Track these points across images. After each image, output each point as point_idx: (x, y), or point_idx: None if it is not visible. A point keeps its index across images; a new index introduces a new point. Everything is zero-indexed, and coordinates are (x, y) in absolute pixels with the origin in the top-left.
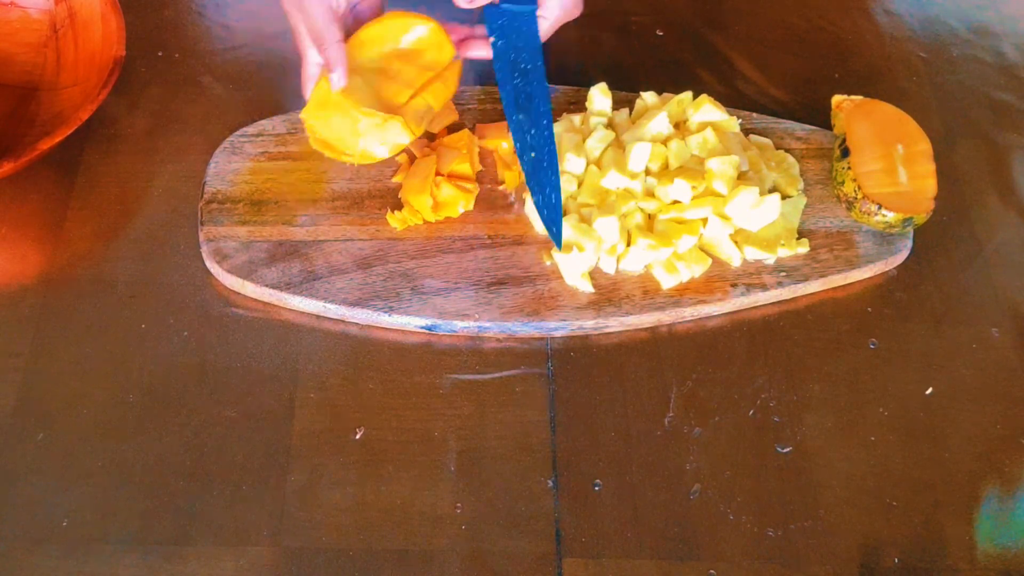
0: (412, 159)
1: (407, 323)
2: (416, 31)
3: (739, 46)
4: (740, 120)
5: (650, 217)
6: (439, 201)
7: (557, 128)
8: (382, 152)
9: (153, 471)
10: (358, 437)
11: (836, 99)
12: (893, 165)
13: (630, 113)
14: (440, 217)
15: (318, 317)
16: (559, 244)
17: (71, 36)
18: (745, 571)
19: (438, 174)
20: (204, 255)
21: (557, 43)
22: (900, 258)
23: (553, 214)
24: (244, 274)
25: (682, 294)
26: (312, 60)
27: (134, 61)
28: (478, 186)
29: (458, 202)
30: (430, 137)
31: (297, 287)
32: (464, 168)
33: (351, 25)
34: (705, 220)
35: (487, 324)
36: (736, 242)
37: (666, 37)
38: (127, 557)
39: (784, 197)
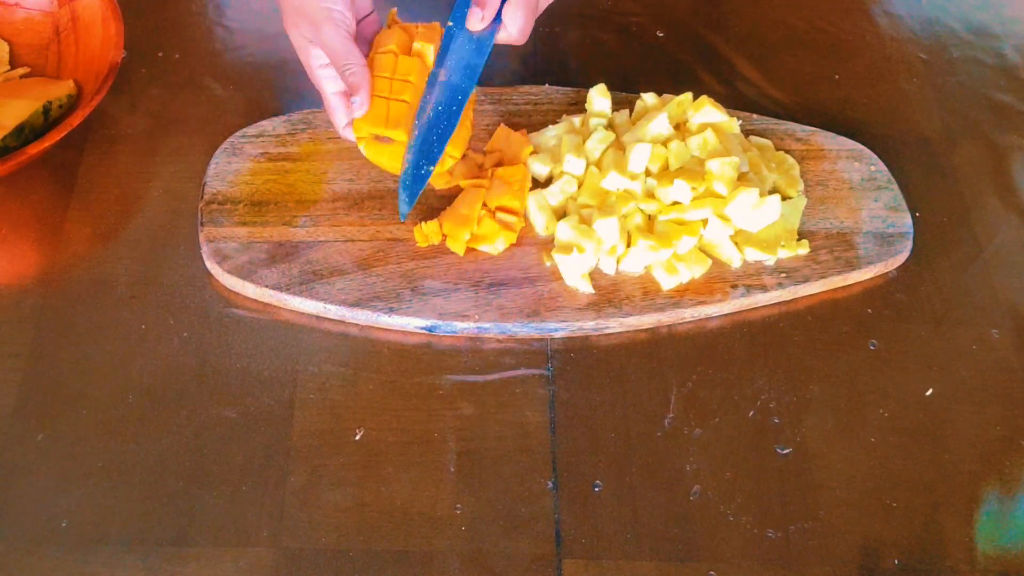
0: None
1: (407, 324)
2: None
3: (739, 47)
4: (740, 121)
5: (650, 218)
6: (477, 234)
7: (557, 129)
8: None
9: (153, 471)
10: (358, 438)
11: None
12: None
13: (630, 114)
14: (475, 247)
15: (318, 318)
16: (401, 213)
17: (72, 39)
18: (745, 572)
19: (484, 206)
20: (204, 256)
21: (557, 44)
22: (900, 259)
23: (415, 184)
24: (244, 275)
25: (682, 295)
26: (330, 90)
27: (134, 62)
28: (523, 221)
29: (497, 237)
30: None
31: (297, 288)
32: (513, 203)
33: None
34: (705, 221)
35: (487, 325)
36: (736, 243)
37: (666, 38)
38: (127, 557)
39: (784, 198)
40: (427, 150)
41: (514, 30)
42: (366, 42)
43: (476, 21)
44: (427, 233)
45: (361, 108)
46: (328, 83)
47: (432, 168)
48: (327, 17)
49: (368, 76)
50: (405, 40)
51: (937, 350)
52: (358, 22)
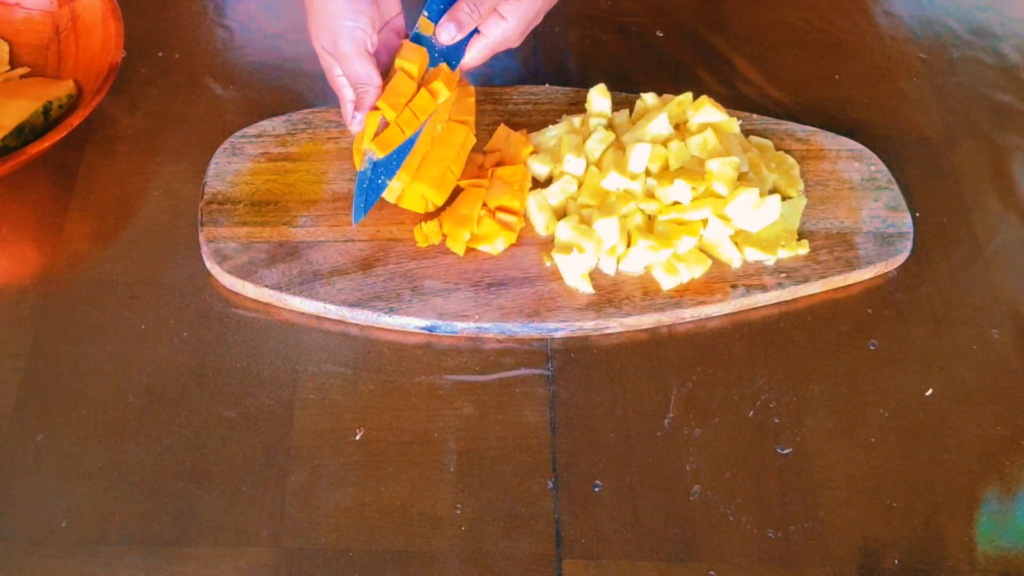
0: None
1: (407, 324)
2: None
3: (739, 47)
4: (740, 121)
5: (650, 218)
6: (477, 234)
7: (557, 129)
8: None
9: (153, 471)
10: (358, 438)
11: None
12: None
13: (630, 114)
14: (474, 246)
15: (318, 318)
16: (355, 219)
17: (72, 39)
18: (745, 572)
19: (484, 206)
20: (204, 256)
21: (557, 44)
22: (900, 259)
23: (371, 194)
24: (244, 275)
25: (682, 295)
26: (348, 97)
27: (134, 62)
28: (523, 221)
29: (497, 237)
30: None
31: (297, 288)
32: (513, 203)
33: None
34: (705, 221)
35: (487, 325)
36: (736, 243)
37: (666, 38)
38: (127, 558)
39: (784, 198)
40: (387, 162)
41: (470, 61)
42: (390, 49)
43: (446, 36)
44: (427, 233)
45: (358, 126)
46: (347, 91)
47: (388, 181)
48: (349, 36)
49: (376, 98)
50: (425, 65)
51: (937, 350)
52: (386, 23)
